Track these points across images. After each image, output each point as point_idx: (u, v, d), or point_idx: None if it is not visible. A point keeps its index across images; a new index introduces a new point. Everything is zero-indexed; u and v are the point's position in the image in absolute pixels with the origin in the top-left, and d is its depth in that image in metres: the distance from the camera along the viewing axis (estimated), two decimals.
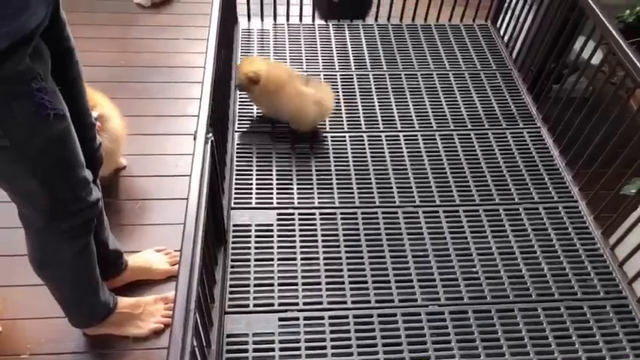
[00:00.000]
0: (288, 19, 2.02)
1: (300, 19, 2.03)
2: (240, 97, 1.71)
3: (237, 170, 1.50)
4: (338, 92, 1.76)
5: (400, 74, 1.83)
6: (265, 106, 1.63)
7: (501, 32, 2.04)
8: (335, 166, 1.53)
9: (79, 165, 1.05)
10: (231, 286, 1.24)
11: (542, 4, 1.80)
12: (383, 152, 1.58)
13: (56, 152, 0.99)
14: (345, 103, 1.72)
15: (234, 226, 1.36)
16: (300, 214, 1.40)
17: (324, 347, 1.15)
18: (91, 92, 1.47)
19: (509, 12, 1.99)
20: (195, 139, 1.04)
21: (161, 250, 1.58)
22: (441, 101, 1.75)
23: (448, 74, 1.85)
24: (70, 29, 1.03)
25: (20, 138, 0.91)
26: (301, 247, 1.33)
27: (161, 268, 1.53)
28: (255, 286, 1.24)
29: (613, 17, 2.29)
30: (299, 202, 1.43)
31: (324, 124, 1.65)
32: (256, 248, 1.32)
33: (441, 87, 1.80)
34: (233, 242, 1.32)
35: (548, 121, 1.69)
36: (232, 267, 1.28)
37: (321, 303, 1.22)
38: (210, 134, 1.06)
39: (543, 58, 1.77)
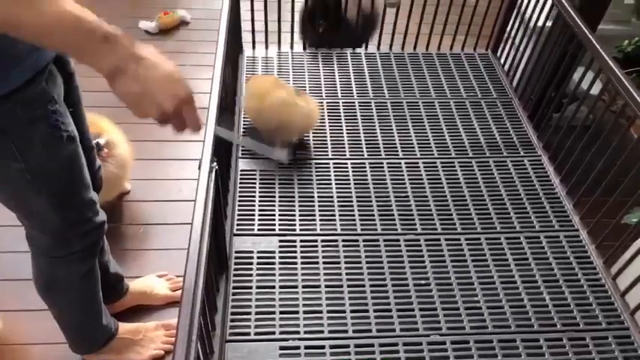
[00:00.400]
0: (292, 47, 2.06)
1: (304, 48, 2.07)
2: (244, 124, 1.74)
3: (240, 196, 1.51)
4: (340, 119, 1.78)
5: (402, 102, 1.86)
6: (253, 118, 1.66)
7: (502, 61, 2.08)
8: (337, 192, 1.54)
9: (87, 186, 1.08)
10: (232, 313, 1.24)
11: (541, 35, 1.83)
12: (385, 179, 1.59)
13: (67, 173, 1.01)
14: (347, 129, 1.75)
15: (236, 252, 1.37)
16: (302, 240, 1.41)
17: None
18: (98, 119, 1.50)
19: (509, 41, 2.03)
20: (199, 167, 1.06)
21: (163, 275, 1.58)
22: (442, 129, 1.77)
23: (449, 102, 1.88)
24: None
25: (36, 160, 0.94)
26: (303, 274, 1.33)
27: (162, 294, 1.54)
28: (257, 314, 1.24)
29: (611, 48, 2.35)
30: (301, 229, 1.44)
31: (327, 151, 1.67)
32: (258, 275, 1.32)
33: (443, 115, 1.82)
34: (235, 269, 1.33)
35: (549, 150, 1.71)
36: (234, 294, 1.28)
37: (322, 332, 1.22)
38: (215, 163, 1.08)
39: (543, 87, 1.80)
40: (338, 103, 1.85)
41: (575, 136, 1.57)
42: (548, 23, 1.81)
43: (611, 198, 1.38)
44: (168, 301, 1.52)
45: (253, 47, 2.05)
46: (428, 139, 1.73)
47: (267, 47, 2.05)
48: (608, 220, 1.40)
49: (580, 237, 1.47)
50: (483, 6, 2.01)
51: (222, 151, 1.36)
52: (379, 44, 2.09)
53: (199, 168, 1.05)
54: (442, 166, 1.64)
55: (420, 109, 1.84)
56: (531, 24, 1.89)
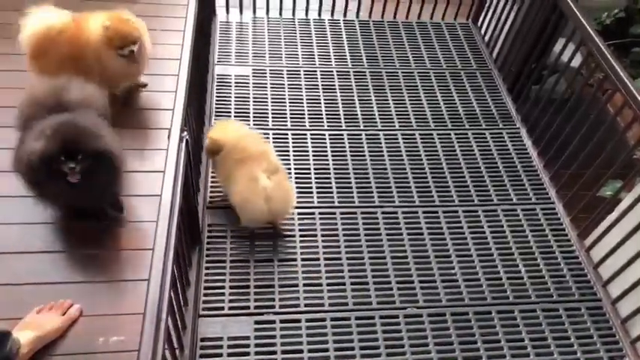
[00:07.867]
0: (267, 13, 1.98)
1: (280, 13, 1.98)
2: (217, 92, 1.67)
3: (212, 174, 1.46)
4: (318, 88, 1.73)
5: (381, 72, 1.81)
6: (220, 176, 1.37)
7: (482, 31, 2.04)
8: (314, 162, 1.50)
9: None
10: (205, 288, 1.21)
11: (523, 5, 1.80)
12: (363, 151, 1.56)
13: None
14: (325, 99, 1.69)
15: (209, 226, 1.33)
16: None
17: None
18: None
19: (491, 11, 1.98)
20: (169, 137, 1.00)
21: (42, 308, 1.38)
22: (421, 100, 1.74)
23: (429, 72, 1.84)
24: None
25: None
26: (280, 246, 1.30)
27: (55, 326, 1.27)
28: (231, 288, 1.21)
29: (590, 20, 2.33)
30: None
31: (304, 123, 1.62)
32: (232, 249, 1.29)
33: (422, 85, 1.79)
34: (208, 242, 1.29)
35: (528, 122, 1.70)
36: (207, 268, 1.25)
37: (298, 305, 1.20)
38: (185, 132, 1.02)
39: (523, 59, 1.77)
40: (316, 71, 1.79)
41: (553, 109, 1.56)
42: None
43: (588, 171, 1.38)
44: (65, 329, 1.32)
45: (227, 12, 1.96)
46: (407, 110, 1.70)
47: (241, 12, 1.96)
48: (585, 192, 1.40)
49: (556, 210, 1.47)
50: None
51: (192, 120, 1.30)
52: (358, 11, 2.02)
53: (169, 137, 1.00)
54: (420, 138, 1.62)
55: (399, 79, 1.80)
56: None
